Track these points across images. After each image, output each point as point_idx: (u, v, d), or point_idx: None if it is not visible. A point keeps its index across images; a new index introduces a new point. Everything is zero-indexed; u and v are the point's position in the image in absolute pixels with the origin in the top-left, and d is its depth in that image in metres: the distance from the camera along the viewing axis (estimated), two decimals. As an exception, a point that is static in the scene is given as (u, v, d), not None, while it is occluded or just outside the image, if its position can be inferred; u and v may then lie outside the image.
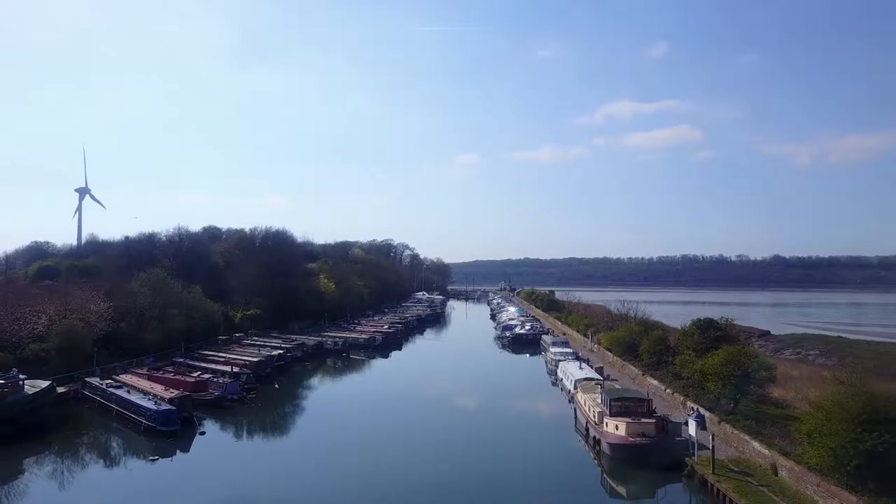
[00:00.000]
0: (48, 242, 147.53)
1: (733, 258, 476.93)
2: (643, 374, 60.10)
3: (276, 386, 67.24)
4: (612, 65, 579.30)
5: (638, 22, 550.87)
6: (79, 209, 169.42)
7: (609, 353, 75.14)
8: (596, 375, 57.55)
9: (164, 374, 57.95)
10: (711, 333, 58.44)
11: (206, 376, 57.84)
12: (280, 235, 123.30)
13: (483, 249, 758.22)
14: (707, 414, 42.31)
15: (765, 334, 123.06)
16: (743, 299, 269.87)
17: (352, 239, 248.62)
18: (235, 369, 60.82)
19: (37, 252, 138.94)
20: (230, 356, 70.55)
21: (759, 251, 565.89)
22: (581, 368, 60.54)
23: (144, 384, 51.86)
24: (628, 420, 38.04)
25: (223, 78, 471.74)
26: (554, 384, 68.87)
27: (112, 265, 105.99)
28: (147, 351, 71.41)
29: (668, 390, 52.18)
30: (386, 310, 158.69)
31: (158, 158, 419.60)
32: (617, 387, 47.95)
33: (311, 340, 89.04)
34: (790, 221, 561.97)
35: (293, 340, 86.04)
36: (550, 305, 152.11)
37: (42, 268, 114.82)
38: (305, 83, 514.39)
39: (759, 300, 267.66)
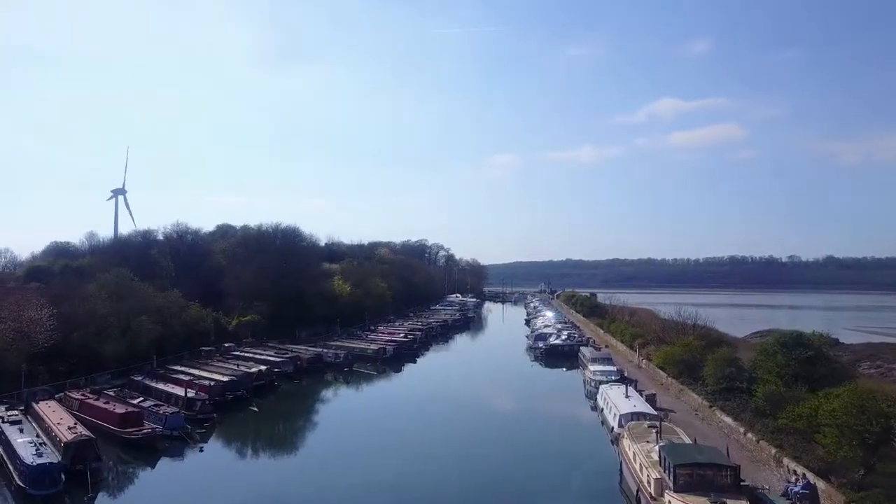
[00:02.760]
0: (68, 243, 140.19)
1: (784, 259, 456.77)
2: (710, 407, 45.87)
3: (255, 409, 55.44)
4: (652, 62, 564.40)
5: (677, 18, 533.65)
6: (115, 210, 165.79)
7: (662, 373, 60.97)
8: (648, 409, 43.63)
9: (98, 400, 46.18)
10: (801, 353, 44.55)
11: (148, 404, 45.83)
12: (289, 232, 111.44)
13: (523, 250, 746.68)
14: (821, 484, 28.30)
15: (832, 343, 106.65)
16: (794, 302, 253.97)
17: (391, 240, 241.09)
18: (190, 393, 48.73)
19: (55, 253, 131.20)
20: (200, 373, 58.87)
21: (810, 252, 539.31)
22: (628, 397, 46.61)
23: (55, 417, 39.90)
24: (705, 503, 24.35)
25: (260, 81, 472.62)
26: (593, 409, 55.36)
27: (107, 266, 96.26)
28: (106, 366, 60.41)
29: (749, 434, 37.94)
30: (411, 314, 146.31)
31: (200, 162, 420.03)
32: (683, 437, 34.16)
33: (308, 352, 76.84)
34: (842, 221, 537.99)
35: (286, 353, 73.99)
36: (591, 310, 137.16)
37: (32, 269, 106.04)
38: (340, 86, 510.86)
39: (812, 303, 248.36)
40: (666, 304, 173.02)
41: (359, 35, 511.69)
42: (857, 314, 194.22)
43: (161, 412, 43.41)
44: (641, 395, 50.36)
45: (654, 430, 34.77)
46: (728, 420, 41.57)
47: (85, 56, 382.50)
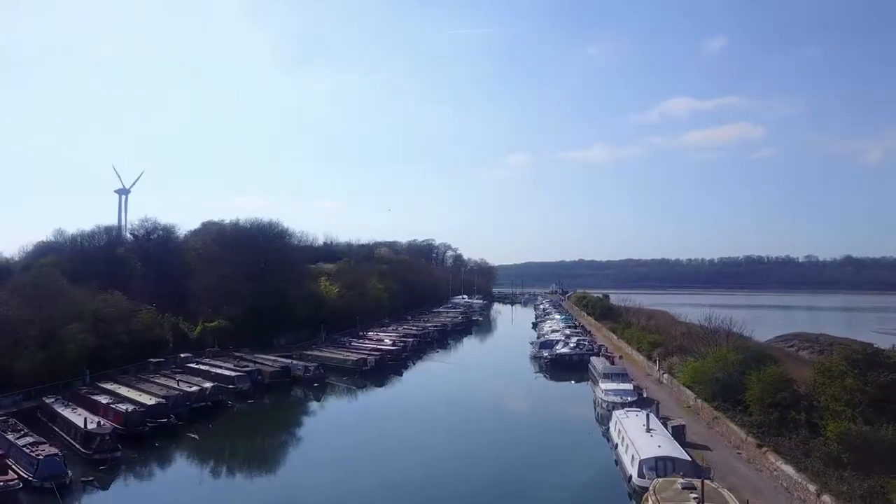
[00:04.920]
0: (58, 242, 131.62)
1: (801, 259, 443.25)
2: (759, 446, 34.86)
3: (196, 437, 45.44)
4: (666, 61, 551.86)
5: (692, 15, 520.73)
6: (119, 210, 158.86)
7: (689, 393, 49.99)
8: (679, 452, 32.74)
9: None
10: (879, 376, 34.01)
11: (26, 441, 35.23)
12: (271, 229, 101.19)
13: (536, 251, 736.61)
14: None
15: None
16: (812, 302, 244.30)
17: (400, 240, 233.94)
18: (91, 423, 38.46)
19: (41, 252, 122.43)
20: (129, 394, 48.70)
21: (828, 252, 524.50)
22: (650, 431, 35.83)
23: None
24: None
25: (274, 82, 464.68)
26: (605, 436, 44.88)
27: (67, 266, 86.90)
28: (19, 384, 50.27)
29: (824, 497, 26.91)
30: (409, 317, 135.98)
31: (215, 163, 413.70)
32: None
33: (275, 364, 66.66)
34: (861, 220, 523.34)
35: (245, 366, 63.66)
36: (604, 313, 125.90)
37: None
38: (355, 87, 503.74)
39: (831, 304, 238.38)
40: (681, 305, 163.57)
41: (373, 36, 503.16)
42: (881, 315, 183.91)
43: (36, 454, 33.09)
44: (667, 425, 39.67)
45: (692, 497, 24.17)
46: (788, 469, 30.59)
47: (95, 57, 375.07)
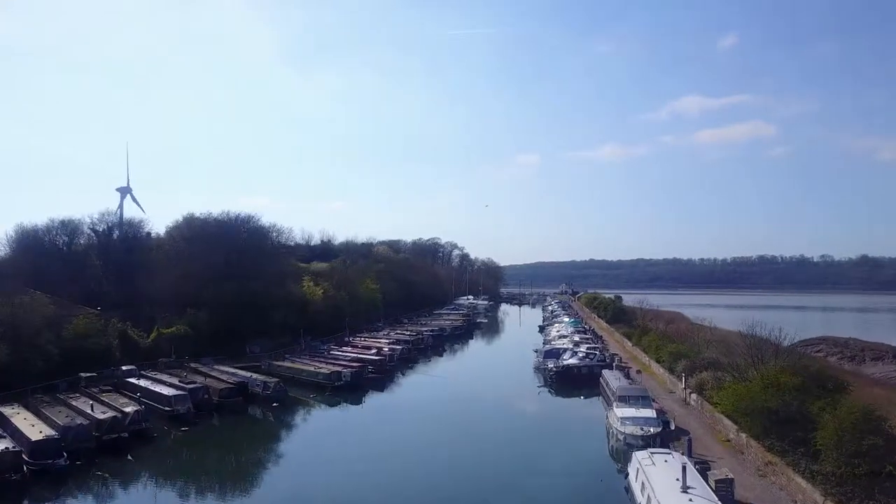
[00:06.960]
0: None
1: (816, 259, 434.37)
2: (847, 520, 24.56)
3: (105, 475, 35.90)
4: (677, 59, 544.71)
5: (703, 13, 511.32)
6: (120, 208, 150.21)
7: (727, 422, 39.58)
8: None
9: None
10: None
11: None
12: (245, 222, 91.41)
13: (546, 251, 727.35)
14: None
15: None
16: (829, 303, 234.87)
17: (406, 239, 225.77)
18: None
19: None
20: (20, 424, 38.79)
21: (844, 251, 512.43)
22: (687, 492, 25.32)
23: None
24: None
25: (283, 83, 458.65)
26: (620, 472, 35.20)
27: (28, 265, 78.23)
28: None
29: None
30: (405, 320, 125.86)
31: (220, 163, 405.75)
32: None
33: (232, 379, 56.73)
34: (878, 220, 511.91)
35: (192, 382, 53.68)
36: (616, 316, 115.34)
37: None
38: (362, 88, 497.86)
39: (848, 304, 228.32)
40: (695, 305, 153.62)
41: (381, 35, 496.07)
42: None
43: None
44: (707, 477, 29.25)
45: None
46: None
47: (100, 55, 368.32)
